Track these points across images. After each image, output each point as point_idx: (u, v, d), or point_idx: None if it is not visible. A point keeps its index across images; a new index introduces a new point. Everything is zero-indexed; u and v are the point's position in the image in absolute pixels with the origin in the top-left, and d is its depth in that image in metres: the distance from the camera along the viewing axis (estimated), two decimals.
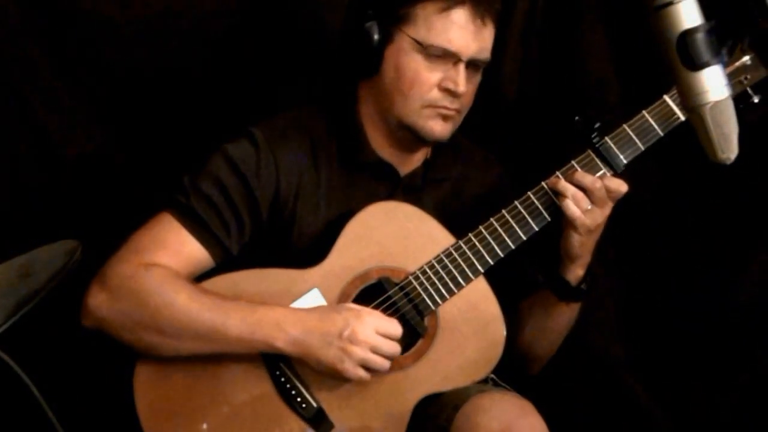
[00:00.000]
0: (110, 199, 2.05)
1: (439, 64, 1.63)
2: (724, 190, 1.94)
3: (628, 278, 2.12)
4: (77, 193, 2.04)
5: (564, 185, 1.62)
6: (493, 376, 1.72)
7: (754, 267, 2.01)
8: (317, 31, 2.03)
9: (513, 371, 1.74)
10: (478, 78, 1.69)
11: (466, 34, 1.62)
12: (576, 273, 1.68)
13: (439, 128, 1.67)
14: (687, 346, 2.06)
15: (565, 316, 1.75)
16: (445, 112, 1.65)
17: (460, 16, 1.61)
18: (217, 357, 1.59)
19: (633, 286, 2.12)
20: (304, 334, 1.55)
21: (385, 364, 1.57)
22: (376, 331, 1.56)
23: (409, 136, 1.69)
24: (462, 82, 1.63)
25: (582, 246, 1.64)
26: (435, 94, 1.64)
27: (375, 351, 1.56)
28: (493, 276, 1.65)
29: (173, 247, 1.61)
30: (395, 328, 1.59)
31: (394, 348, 1.58)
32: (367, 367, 1.56)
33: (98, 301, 1.57)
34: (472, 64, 1.65)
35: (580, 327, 1.80)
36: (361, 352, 1.55)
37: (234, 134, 1.69)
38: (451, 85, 1.63)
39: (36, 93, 1.99)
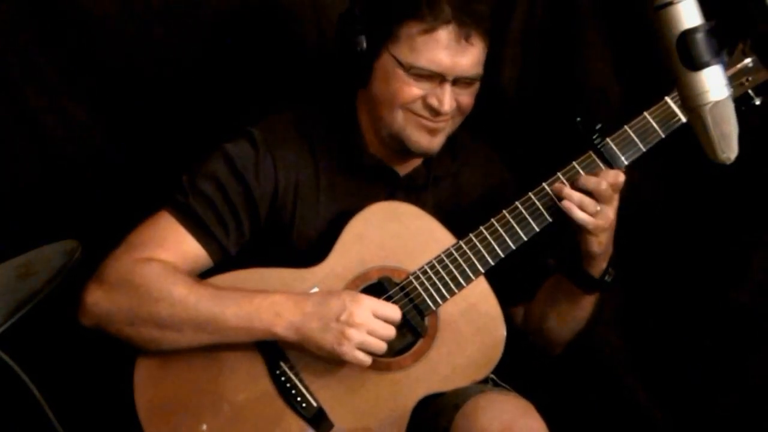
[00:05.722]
0: (110, 198, 2.05)
1: (424, 83, 1.61)
2: (724, 190, 1.94)
3: (628, 278, 2.11)
4: (77, 193, 2.04)
5: (569, 192, 1.60)
6: (493, 376, 1.72)
7: (754, 267, 2.01)
8: (317, 34, 2.03)
9: (513, 371, 1.74)
10: (472, 89, 1.66)
11: (450, 55, 1.58)
12: (599, 267, 1.69)
13: (426, 142, 1.66)
14: (687, 346, 2.06)
15: (591, 304, 1.76)
16: (429, 124, 1.64)
17: (444, 36, 1.57)
18: (218, 356, 1.59)
19: (633, 286, 2.12)
20: (302, 319, 1.55)
21: (382, 346, 1.56)
22: (373, 313, 1.56)
23: (400, 147, 1.69)
24: (447, 101, 1.60)
25: (600, 244, 1.64)
26: (417, 105, 1.63)
27: (372, 334, 1.55)
28: (504, 264, 1.65)
29: (171, 244, 1.61)
30: (393, 311, 1.58)
31: (390, 331, 1.57)
32: (365, 351, 1.55)
33: (96, 297, 1.57)
34: (460, 81, 1.62)
35: None
36: (359, 335, 1.54)
37: (233, 134, 1.69)
38: (435, 103, 1.61)
39: (36, 93, 1.99)
